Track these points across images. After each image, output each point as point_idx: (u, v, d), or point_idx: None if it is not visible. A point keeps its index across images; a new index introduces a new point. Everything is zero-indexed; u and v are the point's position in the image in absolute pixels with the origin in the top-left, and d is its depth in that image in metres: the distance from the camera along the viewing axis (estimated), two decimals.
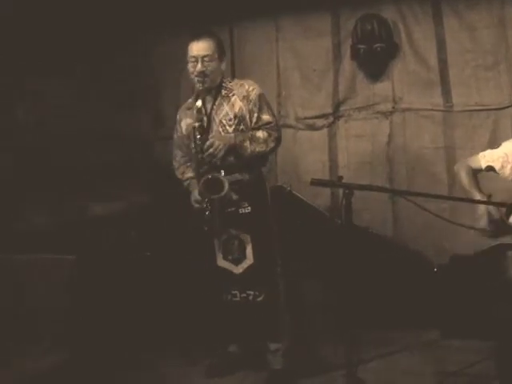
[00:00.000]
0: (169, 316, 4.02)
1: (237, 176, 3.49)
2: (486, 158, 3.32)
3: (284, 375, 3.48)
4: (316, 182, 2.82)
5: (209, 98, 3.57)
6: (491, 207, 3.14)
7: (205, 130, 3.48)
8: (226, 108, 3.54)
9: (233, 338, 3.70)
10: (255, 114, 3.51)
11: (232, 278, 3.53)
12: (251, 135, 3.47)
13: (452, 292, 4.02)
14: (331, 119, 5.03)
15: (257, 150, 3.46)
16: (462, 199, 3.37)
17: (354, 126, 4.95)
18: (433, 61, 4.66)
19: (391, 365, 3.59)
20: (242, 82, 3.64)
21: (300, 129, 5.11)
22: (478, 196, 3.20)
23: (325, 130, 5.04)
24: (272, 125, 3.52)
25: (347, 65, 4.94)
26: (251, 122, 3.52)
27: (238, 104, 3.52)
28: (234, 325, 3.62)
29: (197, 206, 3.53)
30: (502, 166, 3.28)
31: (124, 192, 4.54)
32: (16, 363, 3.26)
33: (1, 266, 3.43)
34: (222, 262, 3.56)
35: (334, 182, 4.76)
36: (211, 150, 3.40)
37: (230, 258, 3.54)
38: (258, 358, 3.58)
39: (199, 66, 3.45)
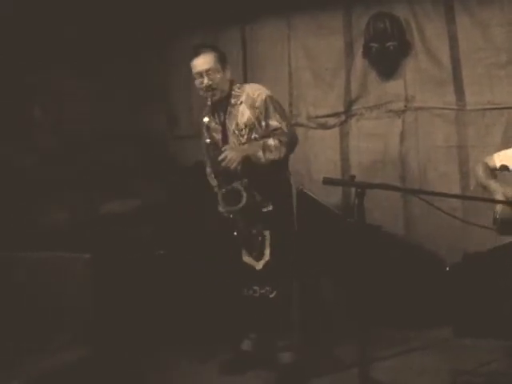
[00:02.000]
0: (181, 313, 4.04)
1: (260, 179, 3.52)
2: (500, 158, 3.38)
3: (294, 371, 3.50)
4: (328, 181, 2.82)
5: (221, 108, 3.63)
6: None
7: (217, 145, 3.56)
8: (237, 117, 3.57)
9: (248, 332, 3.75)
10: (263, 122, 3.54)
11: (254, 274, 3.58)
12: (264, 144, 3.47)
13: (465, 290, 4.01)
14: (343, 118, 5.02)
15: (270, 158, 3.47)
16: (474, 198, 3.39)
17: (366, 125, 4.94)
18: (445, 59, 4.64)
19: (404, 364, 3.59)
20: (248, 87, 3.66)
21: (312, 128, 5.12)
22: (494, 185, 3.26)
23: (337, 129, 5.04)
24: (280, 130, 3.51)
25: (359, 63, 4.93)
26: (261, 128, 3.55)
27: (247, 113, 3.55)
28: (251, 320, 3.70)
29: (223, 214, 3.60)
30: None
31: (139, 190, 4.56)
32: (29, 361, 3.28)
33: (16, 264, 3.45)
34: (246, 258, 3.61)
35: (346, 181, 4.75)
36: (224, 164, 3.42)
37: (254, 254, 3.58)
38: (269, 357, 3.59)
39: (205, 80, 3.52)
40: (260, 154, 3.45)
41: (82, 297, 3.40)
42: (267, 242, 3.54)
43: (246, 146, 3.54)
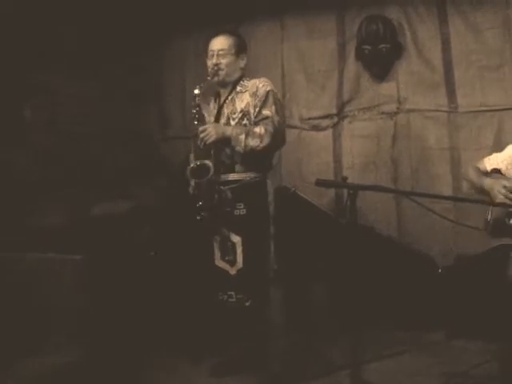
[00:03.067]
0: (172, 315, 4.03)
1: (235, 175, 3.51)
2: (491, 162, 3.39)
3: (284, 375, 3.44)
4: (321, 183, 2.83)
5: (224, 93, 3.63)
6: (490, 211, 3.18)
7: (201, 118, 3.54)
8: (236, 103, 3.57)
9: (230, 338, 3.67)
10: (257, 109, 3.50)
11: (228, 279, 3.53)
12: (248, 129, 3.44)
13: (457, 293, 4.01)
14: (336, 120, 5.03)
15: (250, 144, 3.40)
16: (465, 200, 3.41)
17: (359, 127, 4.95)
18: (437, 61, 4.65)
19: (396, 365, 3.58)
20: (258, 79, 3.64)
21: (305, 129, 5.12)
22: (489, 181, 3.24)
23: (329, 131, 5.04)
24: (269, 120, 3.45)
25: (352, 65, 4.94)
26: (254, 116, 3.52)
27: (247, 99, 3.54)
28: (231, 325, 3.61)
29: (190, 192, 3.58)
30: (507, 168, 3.33)
31: (131, 191, 4.55)
32: (24, 362, 3.27)
33: (8, 265, 3.45)
34: (219, 262, 3.57)
35: (338, 183, 4.77)
36: (202, 135, 3.42)
37: (226, 258, 3.54)
38: (260, 360, 3.57)
39: (214, 59, 3.55)
40: (241, 137, 3.40)
41: (74, 298, 3.40)
42: (239, 249, 3.48)
43: (228, 126, 3.51)
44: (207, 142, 3.43)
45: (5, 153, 4.19)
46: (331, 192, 4.92)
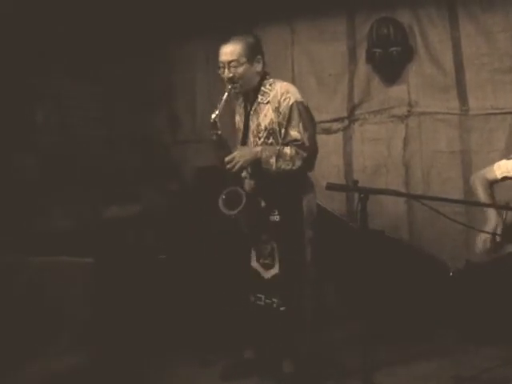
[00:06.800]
0: (184, 317, 4.03)
1: (267, 183, 3.36)
2: (501, 169, 3.36)
3: (297, 379, 3.43)
4: (331, 187, 2.82)
5: (248, 101, 3.46)
6: (500, 220, 3.17)
7: (224, 144, 3.35)
8: (260, 117, 3.38)
9: (251, 341, 3.64)
10: (283, 129, 3.31)
11: (260, 282, 3.47)
12: (279, 150, 3.26)
13: (468, 297, 4.00)
14: (346, 123, 5.03)
15: (282, 167, 3.24)
16: (477, 203, 3.39)
17: (370, 130, 4.95)
18: (448, 64, 4.64)
19: (406, 369, 3.56)
20: (279, 86, 3.38)
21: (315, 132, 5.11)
22: (491, 214, 3.25)
23: (340, 134, 5.04)
24: (300, 143, 3.25)
25: (362, 68, 4.94)
26: (281, 135, 3.34)
27: (270, 115, 3.34)
28: (254, 328, 3.57)
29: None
30: None
31: (141, 195, 4.57)
32: (32, 364, 3.28)
33: (18, 268, 3.46)
34: (254, 264, 3.50)
35: (349, 187, 4.74)
36: (229, 166, 3.28)
37: (261, 261, 3.47)
38: (272, 364, 3.56)
39: (226, 71, 3.34)
40: (272, 160, 3.24)
41: (83, 301, 3.41)
42: (276, 254, 3.39)
43: (258, 148, 3.33)
44: (235, 170, 3.29)
45: (15, 156, 4.22)
46: (342, 195, 4.92)
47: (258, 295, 3.48)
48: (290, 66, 5.18)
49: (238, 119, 3.60)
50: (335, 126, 5.04)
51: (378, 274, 3.46)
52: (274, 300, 3.41)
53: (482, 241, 3.26)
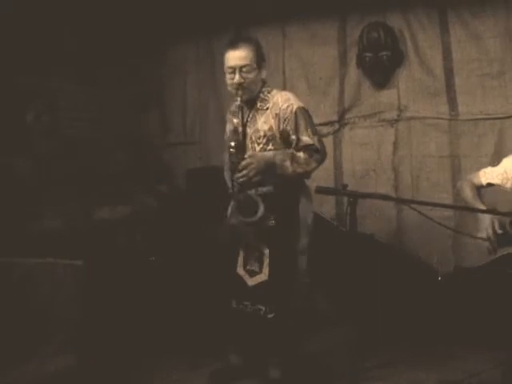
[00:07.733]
0: (173, 320, 4.03)
1: (263, 189, 3.32)
2: (487, 176, 3.41)
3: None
4: (321, 190, 2.82)
5: (245, 109, 3.39)
6: (495, 219, 3.18)
7: (240, 149, 3.30)
8: (258, 123, 3.35)
9: (237, 347, 3.58)
10: (293, 136, 3.28)
11: (245, 289, 3.41)
12: (292, 154, 3.24)
13: (457, 301, 4.01)
14: (336, 127, 5.03)
15: (297, 170, 3.24)
16: (466, 208, 3.41)
17: (360, 134, 4.95)
18: (438, 69, 4.66)
19: (395, 373, 3.57)
20: (279, 94, 3.38)
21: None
22: (481, 217, 3.26)
23: (330, 138, 5.03)
24: (314, 146, 3.27)
25: (353, 73, 4.95)
26: (282, 141, 3.32)
27: (270, 122, 3.32)
28: (241, 335, 3.52)
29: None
30: (502, 183, 3.34)
31: (131, 196, 4.55)
32: (22, 366, 3.27)
33: (6, 270, 3.45)
34: (240, 270, 3.44)
35: (338, 190, 4.71)
36: (245, 172, 3.23)
37: (247, 268, 3.41)
38: (259, 369, 3.55)
39: (237, 77, 3.25)
40: (287, 164, 3.22)
41: (73, 303, 3.39)
42: (266, 261, 3.33)
43: (270, 153, 3.29)
44: (251, 178, 3.24)
45: (6, 157, 4.20)
46: (331, 199, 4.92)
47: (244, 303, 3.43)
48: (281, 69, 5.18)
49: (232, 128, 3.45)
50: (325, 129, 5.03)
51: (366, 277, 3.47)
52: (260, 307, 3.36)
53: (489, 224, 3.23)
